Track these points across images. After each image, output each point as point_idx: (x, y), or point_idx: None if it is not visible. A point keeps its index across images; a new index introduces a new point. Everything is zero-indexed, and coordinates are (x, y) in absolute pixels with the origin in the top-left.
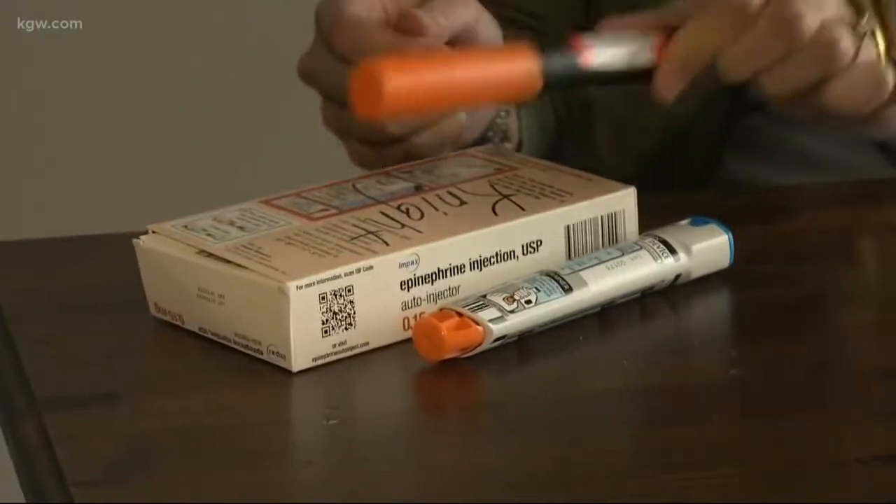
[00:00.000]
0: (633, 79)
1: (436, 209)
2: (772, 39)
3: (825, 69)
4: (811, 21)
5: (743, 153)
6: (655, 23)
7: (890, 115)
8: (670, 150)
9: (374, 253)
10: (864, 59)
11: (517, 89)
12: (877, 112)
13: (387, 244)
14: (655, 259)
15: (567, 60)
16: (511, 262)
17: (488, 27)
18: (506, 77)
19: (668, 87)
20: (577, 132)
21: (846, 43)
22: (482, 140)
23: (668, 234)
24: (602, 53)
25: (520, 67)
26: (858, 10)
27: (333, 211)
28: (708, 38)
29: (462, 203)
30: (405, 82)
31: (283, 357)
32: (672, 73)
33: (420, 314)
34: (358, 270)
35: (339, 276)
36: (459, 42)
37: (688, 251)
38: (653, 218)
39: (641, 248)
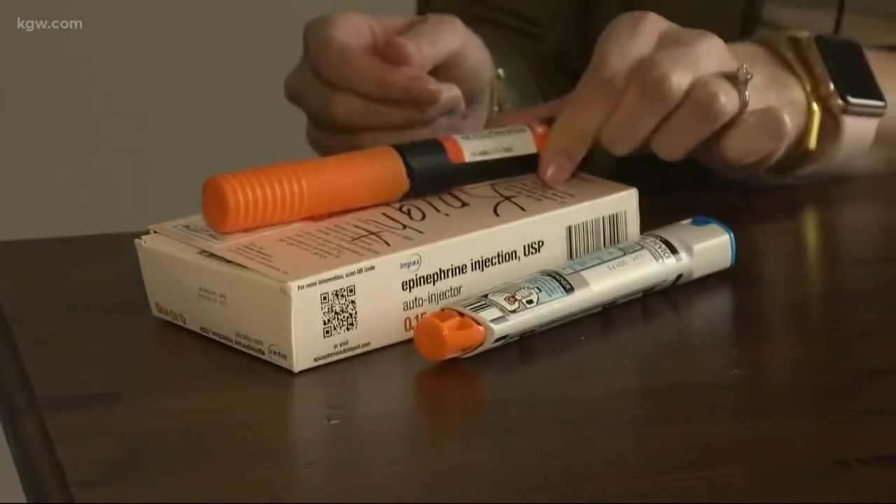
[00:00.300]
0: (521, 168)
1: (437, 210)
2: (643, 106)
3: (711, 125)
4: (678, 80)
5: None
6: (543, 115)
7: (828, 153)
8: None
9: (376, 253)
10: (755, 105)
11: (381, 193)
12: (811, 155)
13: (388, 244)
14: (657, 259)
15: (436, 159)
16: (513, 263)
17: (476, 51)
18: (368, 181)
19: (552, 177)
20: None
21: (726, 96)
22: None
23: (669, 233)
24: (474, 147)
25: (383, 171)
26: (781, 59)
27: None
28: (584, 120)
29: (463, 204)
30: (250, 197)
31: (285, 357)
32: (552, 160)
33: (422, 314)
34: (359, 270)
35: (340, 277)
36: (447, 68)
37: (689, 251)
38: (654, 218)
39: (643, 247)
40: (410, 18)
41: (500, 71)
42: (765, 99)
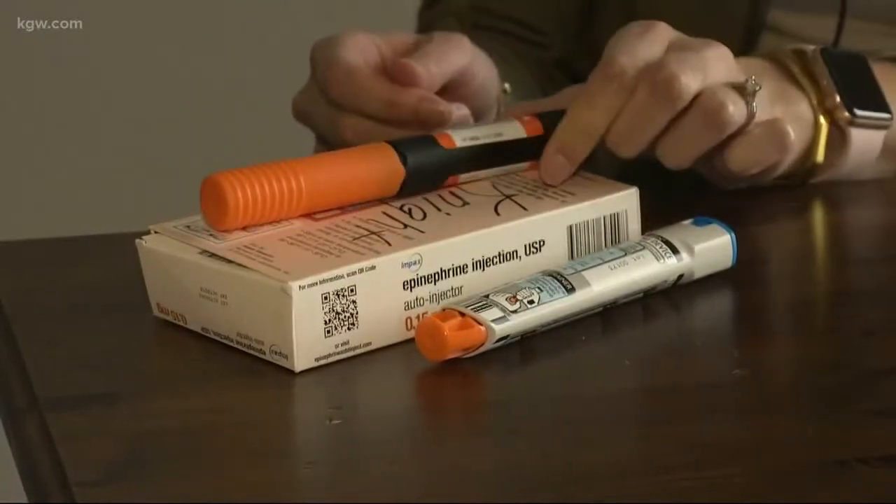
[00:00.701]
0: (513, 154)
1: (438, 209)
2: (652, 105)
3: (718, 135)
4: (687, 81)
5: None
6: (545, 108)
7: (836, 165)
8: None
9: (377, 253)
10: (761, 118)
11: (378, 185)
12: (818, 168)
13: (389, 244)
14: (658, 259)
15: (428, 147)
16: (514, 262)
17: (483, 68)
18: (364, 175)
19: (553, 175)
20: None
21: (734, 105)
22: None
23: (670, 234)
24: (465, 134)
25: (379, 163)
26: (787, 72)
27: (336, 211)
28: (590, 118)
29: (464, 203)
30: (248, 194)
31: (286, 357)
32: (553, 157)
33: (423, 314)
34: (360, 270)
35: (341, 276)
36: (455, 86)
37: (690, 251)
38: (655, 218)
39: (644, 248)
40: (417, 37)
41: (507, 86)
42: (771, 113)
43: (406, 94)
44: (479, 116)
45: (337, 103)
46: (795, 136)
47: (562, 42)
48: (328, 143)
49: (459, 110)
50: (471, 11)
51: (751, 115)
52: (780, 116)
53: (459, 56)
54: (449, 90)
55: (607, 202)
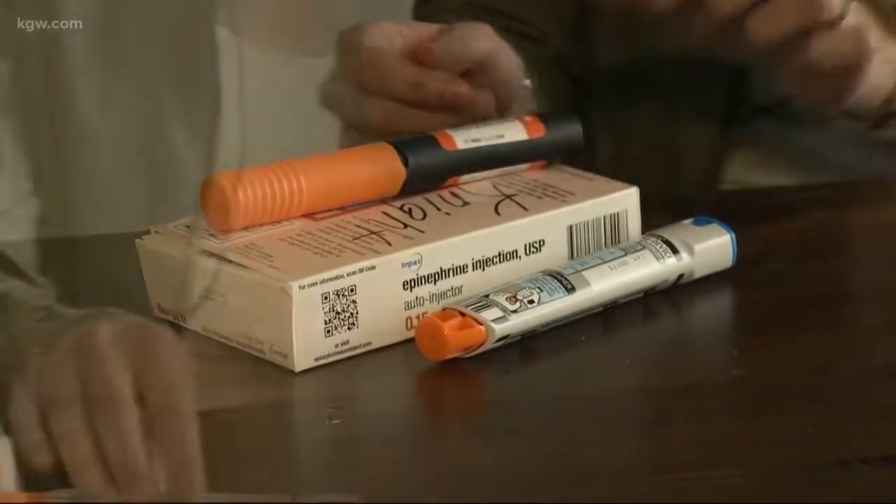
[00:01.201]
0: (514, 156)
1: (438, 209)
2: None
3: (811, 19)
4: None
5: (745, 158)
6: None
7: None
8: (669, 157)
9: (377, 253)
10: (850, 21)
11: (379, 186)
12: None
13: (389, 244)
14: (658, 259)
15: (429, 149)
16: (514, 262)
17: (507, 57)
18: (365, 175)
19: None
20: None
21: None
22: None
23: (670, 233)
24: (466, 136)
25: (380, 164)
26: (885, 22)
27: (336, 211)
28: None
29: (465, 203)
30: (250, 195)
31: (286, 357)
32: None
33: (423, 314)
34: (361, 270)
35: (341, 276)
36: (479, 73)
37: (690, 251)
38: (655, 217)
39: (644, 247)
40: (441, 26)
41: (527, 82)
42: (853, 15)
43: (432, 77)
44: (504, 105)
45: (364, 87)
46: (882, 77)
47: (560, 40)
48: (356, 128)
49: (482, 95)
50: (467, 7)
51: (840, 17)
52: (872, 47)
53: (483, 42)
54: (474, 77)
55: (607, 202)
